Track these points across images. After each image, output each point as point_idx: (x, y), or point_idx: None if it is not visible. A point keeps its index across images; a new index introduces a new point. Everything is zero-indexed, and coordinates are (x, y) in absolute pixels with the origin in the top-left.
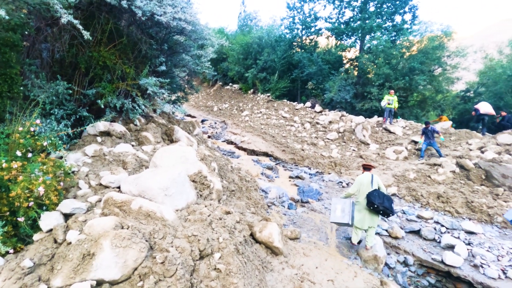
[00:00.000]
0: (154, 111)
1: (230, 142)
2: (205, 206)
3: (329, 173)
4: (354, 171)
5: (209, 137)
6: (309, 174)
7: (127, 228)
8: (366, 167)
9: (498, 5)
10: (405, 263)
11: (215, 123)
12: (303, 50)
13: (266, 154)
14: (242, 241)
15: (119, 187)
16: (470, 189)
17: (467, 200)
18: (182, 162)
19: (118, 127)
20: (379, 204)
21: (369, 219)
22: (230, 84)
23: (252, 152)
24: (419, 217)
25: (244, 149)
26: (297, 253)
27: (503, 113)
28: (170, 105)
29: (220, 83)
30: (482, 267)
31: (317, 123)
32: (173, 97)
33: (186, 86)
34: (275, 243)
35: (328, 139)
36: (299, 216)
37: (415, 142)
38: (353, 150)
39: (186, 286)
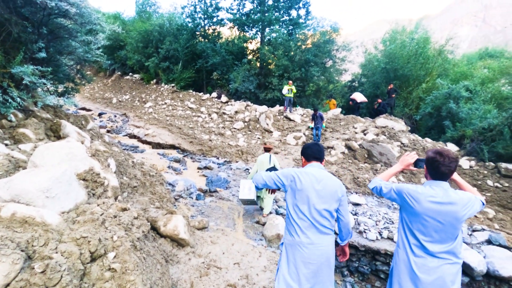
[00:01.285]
0: (36, 104)
1: (132, 136)
2: (98, 205)
3: (237, 162)
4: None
5: (108, 131)
6: (218, 163)
7: None
8: (266, 149)
9: (376, 6)
10: None
11: (115, 116)
12: (206, 40)
13: (173, 147)
14: (140, 237)
15: None
16: (356, 167)
17: (354, 176)
18: (69, 159)
19: None
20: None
21: (265, 190)
22: (130, 74)
23: (157, 146)
24: None
25: (149, 143)
26: (205, 242)
27: (379, 100)
28: (55, 97)
29: (119, 72)
30: (365, 232)
31: (224, 113)
32: (60, 89)
33: (76, 75)
34: (180, 235)
35: (235, 128)
36: (208, 205)
37: (312, 128)
38: (258, 138)
39: None
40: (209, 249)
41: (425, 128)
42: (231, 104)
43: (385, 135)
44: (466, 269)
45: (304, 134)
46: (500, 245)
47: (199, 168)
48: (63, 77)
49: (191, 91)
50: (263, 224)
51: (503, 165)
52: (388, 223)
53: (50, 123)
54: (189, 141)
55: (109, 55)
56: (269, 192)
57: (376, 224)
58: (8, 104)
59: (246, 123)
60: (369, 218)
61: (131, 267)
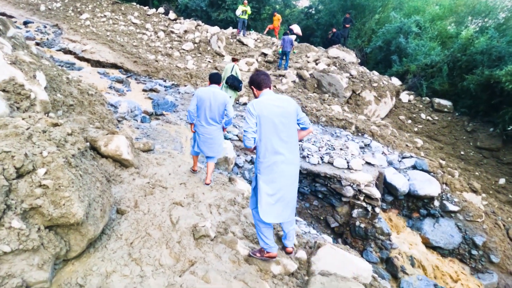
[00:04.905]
0: None
1: (68, 52)
2: (23, 119)
3: (185, 85)
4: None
5: (37, 44)
6: (164, 86)
7: None
8: (233, 59)
9: None
10: (251, 162)
11: (45, 27)
12: None
13: (115, 66)
14: (76, 154)
15: None
16: (305, 96)
17: (302, 105)
18: None
19: None
20: (231, 82)
21: (225, 92)
22: None
23: (97, 64)
24: None
25: (87, 60)
26: (150, 163)
27: (334, 30)
28: None
29: None
30: (308, 157)
31: (172, 32)
32: None
33: None
34: (123, 155)
35: (184, 49)
36: (154, 128)
37: (265, 55)
38: (209, 61)
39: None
40: (154, 170)
41: (374, 62)
42: (180, 23)
43: (336, 66)
44: (392, 190)
45: (256, 60)
46: (422, 170)
47: (144, 90)
48: None
49: (134, 4)
50: None
51: (437, 100)
52: (330, 149)
53: None
54: (133, 60)
55: None
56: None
57: (319, 150)
58: None
59: (196, 45)
60: (313, 144)
61: (65, 183)
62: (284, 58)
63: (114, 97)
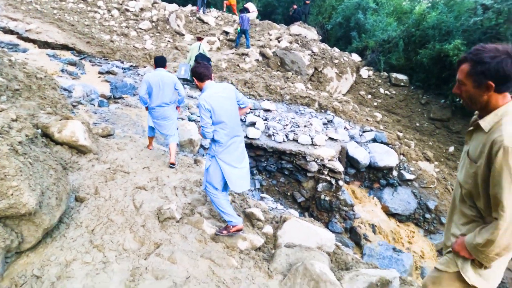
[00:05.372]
0: None
1: (8, 31)
2: None
3: (144, 67)
4: (170, 63)
5: None
6: (122, 68)
7: None
8: (198, 38)
9: None
10: None
11: None
12: None
13: (66, 47)
14: (23, 141)
15: None
16: (269, 74)
17: (266, 84)
18: None
19: None
20: (200, 61)
21: None
22: None
23: (45, 45)
24: None
25: (33, 41)
26: (111, 149)
27: (295, 6)
28: None
29: None
30: (273, 135)
31: (127, 10)
32: None
33: None
34: (80, 141)
35: (141, 29)
36: (113, 113)
37: (227, 33)
38: (168, 41)
39: None
40: (115, 155)
41: (335, 38)
42: (135, 0)
43: (298, 43)
44: (354, 163)
45: (218, 39)
46: (382, 142)
47: (100, 73)
48: None
49: None
50: None
51: (394, 75)
52: (294, 126)
53: None
54: (85, 41)
55: None
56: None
57: (284, 128)
58: None
59: (154, 23)
60: (278, 122)
61: (11, 172)
62: (244, 36)
63: (67, 81)
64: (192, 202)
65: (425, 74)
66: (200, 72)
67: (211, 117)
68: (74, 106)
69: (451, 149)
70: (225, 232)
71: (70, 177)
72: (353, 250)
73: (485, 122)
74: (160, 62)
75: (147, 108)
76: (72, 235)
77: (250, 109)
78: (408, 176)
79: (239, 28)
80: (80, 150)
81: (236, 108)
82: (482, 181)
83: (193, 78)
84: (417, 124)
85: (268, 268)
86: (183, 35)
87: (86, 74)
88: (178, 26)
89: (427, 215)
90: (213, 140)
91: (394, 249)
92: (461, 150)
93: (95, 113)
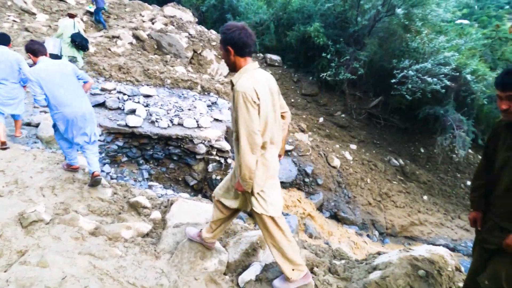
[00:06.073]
0: None
1: None
2: None
3: None
4: (22, 48)
5: None
6: None
7: None
8: (70, 15)
9: None
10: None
11: None
12: None
13: None
14: None
15: None
16: (146, 58)
17: (144, 68)
18: None
19: None
20: (79, 41)
21: (72, 51)
22: None
23: None
24: (103, 89)
25: None
26: None
27: None
28: None
29: None
30: (157, 121)
31: None
32: None
33: None
34: None
35: None
36: None
37: (91, 13)
38: (14, 21)
39: None
40: None
41: (211, 21)
42: None
43: (173, 25)
44: None
45: (82, 19)
46: None
47: None
48: None
49: None
50: (37, 126)
51: (269, 55)
52: (178, 111)
53: None
54: None
55: None
56: None
57: (168, 113)
58: None
59: None
60: (160, 108)
61: None
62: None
63: None
64: (65, 201)
65: (294, 54)
66: (35, 48)
67: (41, 87)
68: None
69: (321, 120)
70: (66, 167)
71: None
72: (247, 221)
73: None
74: (3, 38)
75: None
76: None
77: (127, 95)
78: (287, 147)
79: (90, 6)
80: None
81: (73, 81)
82: None
83: (28, 54)
84: (292, 100)
85: (155, 250)
86: (33, 14)
87: None
88: (25, 2)
89: (306, 179)
90: (50, 108)
91: (282, 213)
92: (329, 121)
93: None
